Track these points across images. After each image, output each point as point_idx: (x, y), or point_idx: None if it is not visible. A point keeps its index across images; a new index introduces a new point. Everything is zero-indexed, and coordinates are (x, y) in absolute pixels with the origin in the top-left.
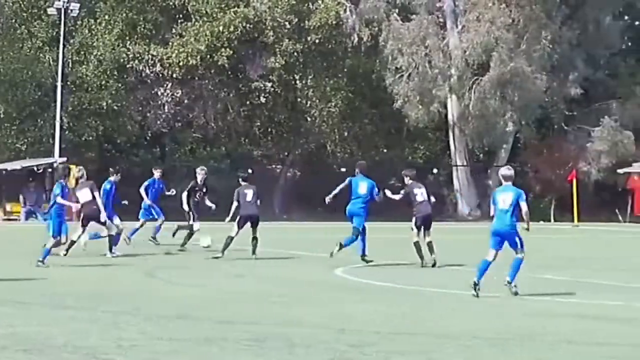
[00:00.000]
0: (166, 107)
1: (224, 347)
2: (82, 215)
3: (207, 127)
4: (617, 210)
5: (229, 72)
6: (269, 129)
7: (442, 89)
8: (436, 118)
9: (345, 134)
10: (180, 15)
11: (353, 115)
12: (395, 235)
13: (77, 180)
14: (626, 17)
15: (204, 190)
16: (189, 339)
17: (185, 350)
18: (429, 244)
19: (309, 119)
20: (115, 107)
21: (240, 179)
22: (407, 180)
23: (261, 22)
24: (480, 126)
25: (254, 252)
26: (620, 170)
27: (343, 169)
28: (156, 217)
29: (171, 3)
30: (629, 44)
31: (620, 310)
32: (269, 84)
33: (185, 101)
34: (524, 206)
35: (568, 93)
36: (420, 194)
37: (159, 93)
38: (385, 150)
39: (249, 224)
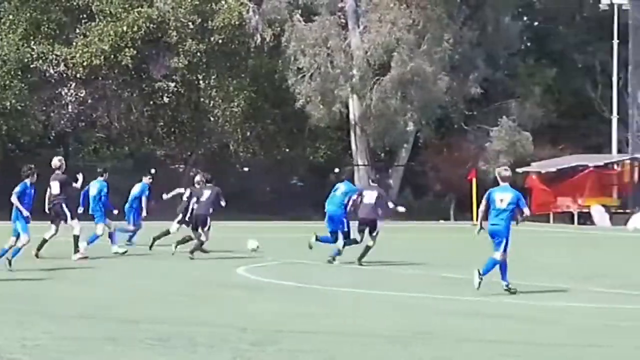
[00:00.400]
0: (70, 107)
1: (129, 347)
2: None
3: (110, 127)
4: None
5: (133, 72)
6: (172, 129)
7: (344, 89)
8: (338, 118)
9: (248, 133)
10: (84, 15)
11: (255, 115)
12: (298, 235)
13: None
14: (525, 18)
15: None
16: (95, 339)
17: (91, 350)
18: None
19: (212, 118)
20: (19, 107)
21: (204, 180)
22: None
23: (165, 22)
24: (381, 126)
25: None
26: (518, 170)
27: (245, 169)
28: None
29: (75, 3)
30: (528, 44)
31: (518, 309)
32: (172, 84)
33: (89, 101)
34: (526, 210)
35: (468, 93)
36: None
37: (63, 93)
38: (287, 150)
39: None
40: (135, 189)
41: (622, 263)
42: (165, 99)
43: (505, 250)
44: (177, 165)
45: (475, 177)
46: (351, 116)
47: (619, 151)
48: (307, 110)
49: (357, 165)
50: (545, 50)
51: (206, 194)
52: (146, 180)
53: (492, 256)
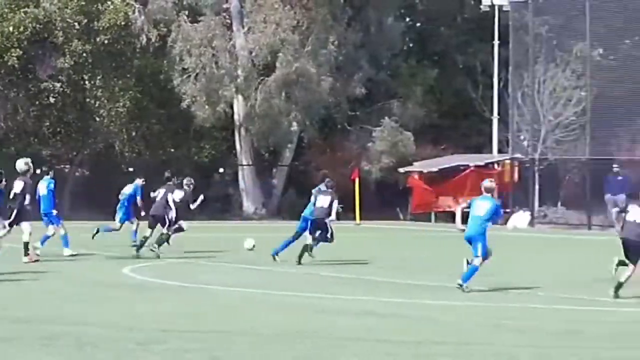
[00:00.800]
0: None
1: (19, 347)
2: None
3: None
4: (397, 209)
5: (19, 73)
6: (58, 129)
7: (229, 89)
8: (222, 118)
9: (133, 133)
10: None
11: (141, 116)
12: (184, 234)
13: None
14: (407, 19)
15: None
16: None
17: None
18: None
19: (97, 119)
20: None
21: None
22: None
23: (51, 22)
24: (266, 126)
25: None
26: (400, 170)
27: (131, 169)
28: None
29: None
30: (410, 45)
31: (404, 308)
32: (58, 84)
33: None
34: (498, 215)
35: (352, 93)
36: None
37: None
38: (172, 150)
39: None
40: (128, 189)
41: (502, 262)
42: (51, 99)
43: (484, 255)
44: (62, 165)
45: (358, 177)
46: (236, 116)
47: (499, 151)
48: (192, 111)
49: (242, 165)
50: (427, 51)
51: (161, 193)
52: (139, 181)
53: (472, 262)
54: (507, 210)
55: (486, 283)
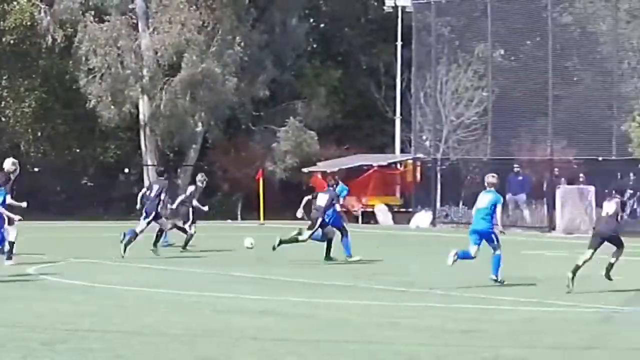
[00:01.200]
0: None
1: None
2: None
3: None
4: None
5: None
6: None
7: (134, 89)
8: (128, 118)
9: (39, 134)
10: None
11: (47, 116)
12: (88, 234)
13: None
14: (311, 20)
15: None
16: None
17: None
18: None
19: (3, 119)
20: None
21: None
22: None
23: None
24: (171, 126)
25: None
26: (304, 170)
27: (36, 169)
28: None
29: None
30: (314, 45)
31: (306, 307)
32: None
33: None
34: (498, 211)
35: (256, 94)
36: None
37: None
38: (78, 150)
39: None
40: (154, 190)
41: (403, 261)
42: None
43: (498, 243)
44: None
45: (263, 177)
46: (141, 116)
47: (402, 151)
48: (97, 111)
49: (147, 165)
50: (331, 52)
51: (154, 188)
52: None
53: (493, 255)
54: (410, 209)
55: (387, 282)
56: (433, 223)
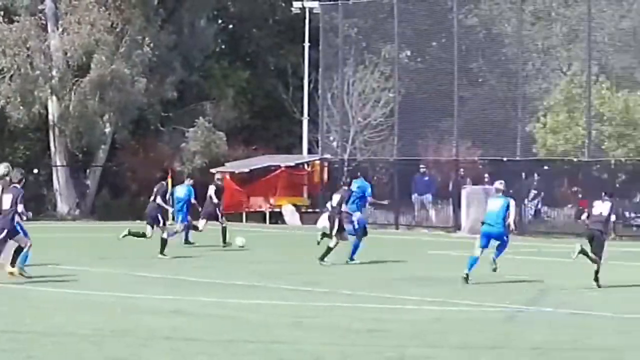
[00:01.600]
0: None
1: None
2: None
3: None
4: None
5: None
6: None
7: (44, 90)
8: (37, 119)
9: None
10: None
11: None
12: None
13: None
14: (220, 21)
15: None
16: None
17: None
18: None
19: None
20: None
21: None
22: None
23: None
24: (80, 127)
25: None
26: (213, 170)
27: None
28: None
29: None
30: (223, 46)
31: (215, 307)
32: None
33: None
34: (512, 211)
35: (165, 95)
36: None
37: None
38: None
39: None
40: (180, 193)
41: (310, 261)
42: None
43: (507, 245)
44: None
45: (171, 177)
46: (50, 117)
47: (309, 152)
48: (7, 111)
49: (56, 165)
50: (239, 53)
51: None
52: (189, 182)
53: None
54: (317, 210)
55: (294, 282)
56: None
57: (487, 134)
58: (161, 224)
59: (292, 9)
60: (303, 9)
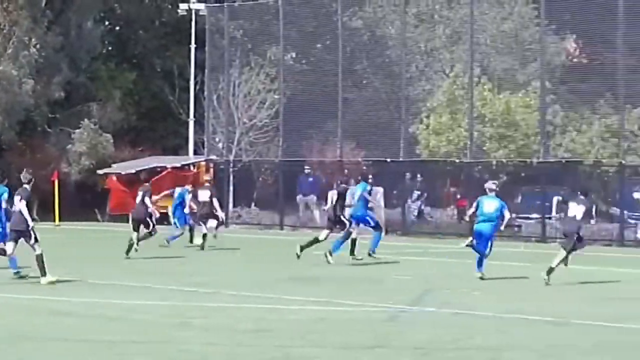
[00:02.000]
0: None
1: None
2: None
3: None
4: (96, 210)
5: None
6: None
7: None
8: None
9: None
10: None
11: None
12: None
13: None
14: (107, 22)
15: None
16: None
17: None
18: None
19: None
20: None
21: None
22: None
23: None
24: None
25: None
26: (99, 171)
27: None
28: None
29: None
30: (110, 48)
31: (100, 307)
32: None
33: None
34: (507, 215)
35: (52, 96)
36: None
37: None
38: None
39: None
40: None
41: (195, 262)
42: None
43: (490, 249)
44: None
45: (58, 179)
46: None
47: (196, 153)
48: None
49: None
50: (126, 55)
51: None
52: (187, 187)
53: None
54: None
55: (178, 282)
56: (225, 224)
57: (371, 135)
58: (150, 227)
59: (179, 10)
60: (189, 10)
